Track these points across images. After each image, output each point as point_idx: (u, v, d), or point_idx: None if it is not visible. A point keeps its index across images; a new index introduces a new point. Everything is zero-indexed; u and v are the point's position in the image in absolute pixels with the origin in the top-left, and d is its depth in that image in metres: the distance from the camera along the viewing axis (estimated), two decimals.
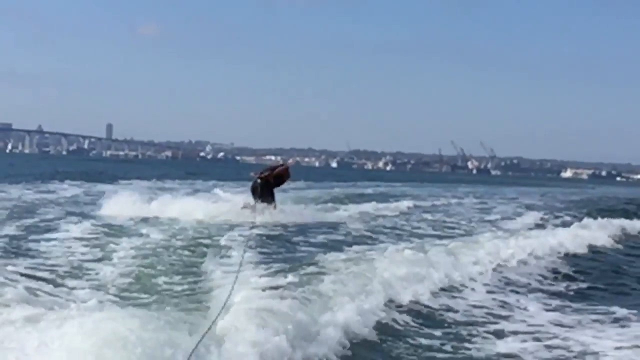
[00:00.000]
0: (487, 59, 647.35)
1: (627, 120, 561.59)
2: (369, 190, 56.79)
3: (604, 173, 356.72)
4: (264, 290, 11.98)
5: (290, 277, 13.32)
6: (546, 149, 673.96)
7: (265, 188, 28.35)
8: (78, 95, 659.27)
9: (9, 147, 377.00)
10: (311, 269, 14.94)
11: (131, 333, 8.23)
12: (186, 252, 17.85)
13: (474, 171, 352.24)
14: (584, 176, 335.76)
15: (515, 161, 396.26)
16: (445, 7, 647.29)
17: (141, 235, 20.47)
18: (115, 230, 21.23)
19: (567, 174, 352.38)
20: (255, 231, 21.91)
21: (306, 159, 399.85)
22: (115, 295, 12.76)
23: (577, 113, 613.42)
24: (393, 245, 19.49)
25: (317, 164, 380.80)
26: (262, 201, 27.56)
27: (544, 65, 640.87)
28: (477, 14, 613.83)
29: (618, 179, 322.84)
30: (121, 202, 27.76)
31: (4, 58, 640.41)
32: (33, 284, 12.61)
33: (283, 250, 19.24)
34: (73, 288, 12.99)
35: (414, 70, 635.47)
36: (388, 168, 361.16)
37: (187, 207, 26.79)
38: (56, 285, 13.11)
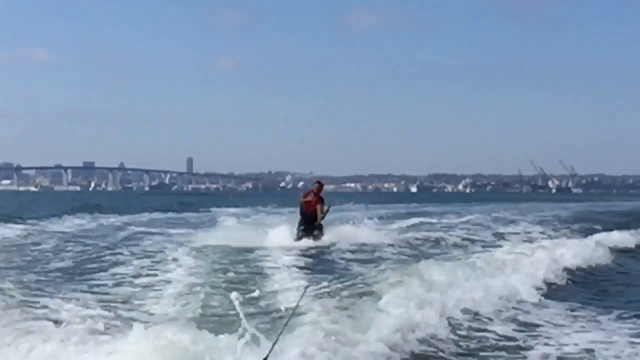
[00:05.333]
0: (563, 77, 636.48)
1: None
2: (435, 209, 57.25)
3: None
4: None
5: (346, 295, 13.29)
6: (628, 164, 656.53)
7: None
8: (158, 131, 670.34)
9: (92, 184, 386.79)
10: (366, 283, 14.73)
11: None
12: (241, 274, 17.73)
13: (554, 190, 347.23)
14: None
15: (596, 178, 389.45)
16: (519, 28, 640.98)
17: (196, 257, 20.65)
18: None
19: None
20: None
21: (385, 185, 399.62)
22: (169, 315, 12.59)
23: None
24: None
25: (395, 189, 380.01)
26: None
27: (622, 80, 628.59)
28: (551, 34, 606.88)
29: None
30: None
31: (85, 97, 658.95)
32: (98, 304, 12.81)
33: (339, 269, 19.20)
34: (133, 309, 13.07)
35: (492, 92, 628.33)
36: (468, 190, 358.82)
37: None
38: (118, 305, 13.24)
